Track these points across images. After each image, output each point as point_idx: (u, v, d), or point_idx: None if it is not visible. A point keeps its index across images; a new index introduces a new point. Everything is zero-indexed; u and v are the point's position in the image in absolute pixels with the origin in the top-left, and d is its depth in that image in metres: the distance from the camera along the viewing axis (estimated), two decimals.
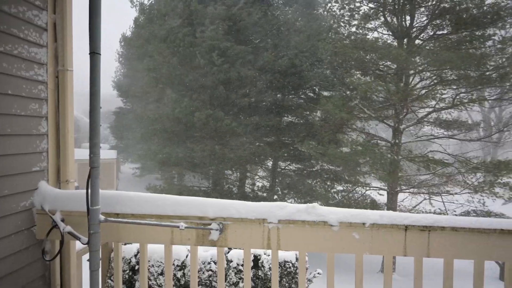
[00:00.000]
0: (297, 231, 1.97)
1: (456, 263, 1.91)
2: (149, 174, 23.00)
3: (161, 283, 3.50)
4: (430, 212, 13.30)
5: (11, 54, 1.93)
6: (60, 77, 2.28)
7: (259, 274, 3.63)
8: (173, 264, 3.52)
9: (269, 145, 15.48)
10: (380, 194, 14.43)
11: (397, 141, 13.53)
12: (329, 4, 14.98)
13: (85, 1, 1.81)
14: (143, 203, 2.11)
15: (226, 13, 14.38)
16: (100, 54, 1.84)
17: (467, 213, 12.94)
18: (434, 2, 12.44)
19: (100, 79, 1.86)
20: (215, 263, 3.53)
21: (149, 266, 3.53)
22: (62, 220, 2.09)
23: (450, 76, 12.82)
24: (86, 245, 1.96)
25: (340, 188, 15.39)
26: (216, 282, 3.47)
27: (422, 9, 13.12)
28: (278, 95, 16.17)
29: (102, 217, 1.95)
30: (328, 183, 15.79)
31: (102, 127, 2.35)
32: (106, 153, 23.93)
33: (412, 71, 13.22)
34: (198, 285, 3.48)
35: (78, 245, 2.36)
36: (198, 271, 3.51)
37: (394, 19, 13.73)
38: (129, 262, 3.53)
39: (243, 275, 2.93)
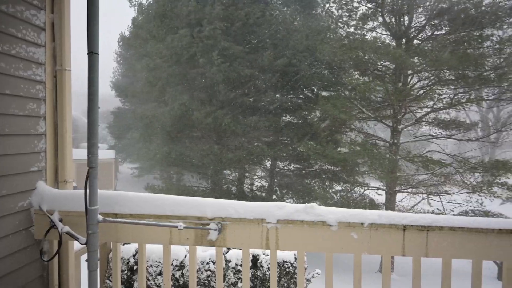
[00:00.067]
0: (296, 231, 1.97)
1: (454, 263, 1.92)
2: (147, 174, 22.97)
3: (159, 283, 3.50)
4: (428, 212, 13.33)
5: (9, 54, 1.92)
6: (58, 77, 2.28)
7: (258, 274, 3.63)
8: (172, 264, 3.51)
9: (267, 145, 15.48)
10: (379, 194, 14.46)
11: (395, 141, 13.56)
12: (327, 5, 15.01)
13: (84, 1, 1.81)
14: (141, 203, 2.10)
15: (224, 13, 14.37)
16: (98, 54, 1.84)
17: (465, 213, 12.97)
18: (432, 3, 12.47)
19: (99, 79, 1.86)
20: (213, 263, 3.53)
21: (147, 266, 3.52)
22: (60, 220, 2.09)
23: (448, 76, 12.86)
24: (85, 245, 1.96)
25: (338, 188, 15.41)
26: (214, 282, 3.46)
27: (420, 9, 13.16)
28: (277, 95, 16.18)
29: (100, 217, 1.94)
30: (326, 183, 15.80)
31: (100, 127, 2.35)
32: (105, 153, 23.89)
33: (410, 71, 13.25)
34: (197, 285, 3.48)
35: (76, 245, 2.36)
36: (197, 271, 3.51)
37: (393, 19, 13.76)
38: (128, 262, 3.53)
39: (241, 275, 2.93)
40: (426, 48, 12.81)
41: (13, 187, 1.99)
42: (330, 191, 15.26)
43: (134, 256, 3.55)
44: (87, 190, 1.90)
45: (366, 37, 13.72)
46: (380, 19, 13.76)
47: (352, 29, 14.11)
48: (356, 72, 14.48)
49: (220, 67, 13.85)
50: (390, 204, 13.53)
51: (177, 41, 14.50)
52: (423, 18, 13.40)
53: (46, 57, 2.19)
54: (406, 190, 13.98)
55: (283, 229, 1.98)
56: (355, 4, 13.82)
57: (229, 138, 15.47)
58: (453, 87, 13.14)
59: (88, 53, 1.83)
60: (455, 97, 12.98)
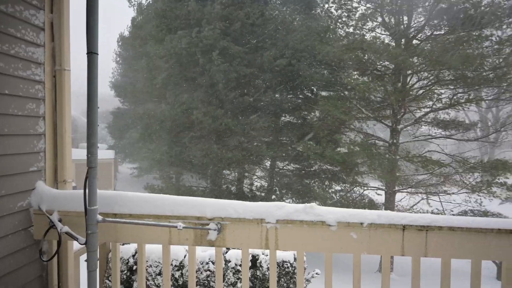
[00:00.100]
0: (295, 231, 1.97)
1: (453, 263, 1.92)
2: (147, 174, 22.96)
3: (159, 283, 3.50)
4: (427, 212, 13.34)
5: (8, 54, 1.92)
6: (57, 77, 2.28)
7: (257, 274, 3.64)
8: (171, 264, 3.51)
9: (267, 145, 15.48)
10: (378, 194, 14.47)
11: (394, 141, 13.57)
12: (327, 5, 15.01)
13: (83, 1, 1.81)
14: (141, 203, 2.10)
15: (223, 12, 14.37)
16: (97, 54, 1.84)
17: (464, 213, 12.99)
18: (431, 3, 12.49)
19: (98, 79, 1.85)
20: (213, 263, 3.53)
21: (147, 266, 3.52)
22: (60, 220, 2.08)
23: (447, 76, 12.87)
24: (84, 246, 1.96)
25: (338, 188, 15.42)
26: (214, 282, 3.46)
27: (420, 9, 13.17)
28: (277, 95, 16.18)
29: (100, 217, 1.94)
30: (326, 183, 15.82)
31: (99, 127, 2.35)
32: (104, 153, 23.89)
33: (409, 71, 13.26)
34: (196, 285, 3.47)
35: (75, 245, 2.36)
36: (196, 271, 3.51)
37: (392, 19, 13.77)
38: (127, 263, 3.53)
39: (241, 275, 2.93)
40: (425, 48, 12.83)
41: (12, 187, 1.99)
42: (330, 191, 15.28)
43: (133, 256, 3.55)
44: (87, 190, 1.89)
45: (366, 37, 13.73)
46: (380, 19, 13.78)
47: (351, 29, 14.12)
48: (355, 72, 14.50)
49: (220, 67, 13.85)
50: (389, 204, 13.54)
51: (177, 41, 14.49)
52: (422, 18, 13.41)
53: (45, 57, 2.19)
54: (405, 190, 13.99)
55: (283, 229, 1.98)
56: (355, 4, 13.83)
57: (228, 138, 15.47)
58: (452, 87, 13.16)
59: (87, 53, 1.82)
60: (455, 97, 12.99)
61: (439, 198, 13.36)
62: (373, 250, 1.92)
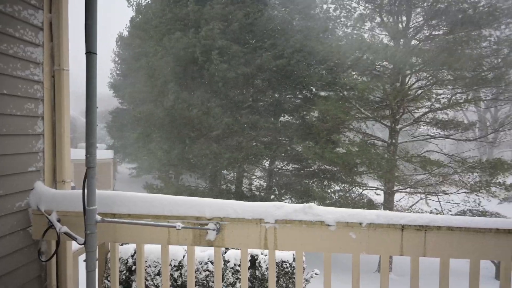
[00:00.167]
0: (294, 231, 1.97)
1: (452, 263, 1.92)
2: (146, 174, 22.94)
3: (158, 284, 3.50)
4: (426, 212, 13.36)
5: (7, 53, 1.92)
6: (56, 77, 2.27)
7: (257, 274, 3.64)
8: (170, 265, 3.51)
9: (266, 144, 15.49)
10: (377, 194, 14.48)
11: (393, 141, 13.59)
12: (325, 5, 15.02)
13: (82, 1, 1.81)
14: (140, 203, 2.10)
15: (223, 12, 14.37)
16: (96, 54, 1.84)
17: (463, 213, 13.01)
18: (430, 3, 12.50)
19: (97, 79, 1.85)
20: (212, 263, 3.53)
21: (146, 266, 3.52)
22: (58, 221, 2.08)
23: (446, 76, 12.89)
24: (83, 246, 1.95)
25: (337, 188, 15.42)
26: (213, 282, 3.46)
27: (418, 9, 13.19)
28: (276, 95, 16.19)
29: (98, 217, 1.94)
30: (325, 183, 15.81)
31: (98, 127, 2.35)
32: (103, 153, 23.86)
33: (408, 71, 13.28)
34: (195, 285, 3.47)
35: (74, 245, 2.36)
36: (195, 271, 3.51)
37: (391, 19, 13.79)
38: (126, 263, 3.53)
39: (240, 275, 2.93)
40: (424, 48, 12.85)
41: (11, 187, 1.99)
42: (329, 191, 15.27)
43: (132, 256, 3.54)
44: (85, 190, 1.89)
45: (365, 37, 13.75)
46: (378, 19, 13.79)
47: (350, 29, 14.13)
48: (354, 72, 14.50)
49: (219, 67, 13.84)
50: (388, 204, 13.56)
51: (176, 41, 14.49)
52: (421, 19, 13.43)
53: (44, 57, 2.18)
54: (404, 190, 14.01)
55: (282, 229, 1.98)
56: (353, 5, 13.85)
57: (227, 138, 15.47)
58: (451, 87, 13.18)
59: (86, 53, 1.82)
60: (453, 97, 13.02)
61: (438, 198, 13.38)
62: (372, 250, 1.92)
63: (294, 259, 3.66)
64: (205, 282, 3.50)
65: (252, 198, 15.62)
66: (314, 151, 13.29)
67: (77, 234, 2.03)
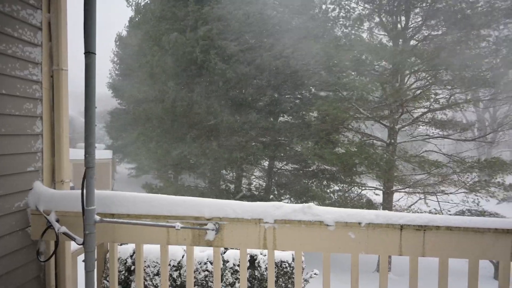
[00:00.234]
0: (293, 231, 1.97)
1: (451, 262, 1.92)
2: (144, 174, 22.94)
3: (157, 284, 3.50)
4: (425, 212, 13.37)
5: (5, 53, 1.91)
6: (55, 77, 2.27)
7: (256, 274, 3.63)
8: (169, 265, 3.51)
9: (265, 144, 15.49)
10: (376, 194, 14.49)
11: (392, 141, 13.60)
12: (324, 6, 15.03)
13: (80, 1, 1.80)
14: (138, 203, 2.10)
15: (222, 12, 14.36)
16: (95, 54, 1.83)
17: (462, 213, 13.02)
18: (429, 3, 12.52)
19: (95, 79, 1.85)
20: (211, 263, 3.52)
21: (145, 266, 3.52)
22: (57, 221, 2.08)
23: (445, 76, 12.91)
24: (82, 246, 1.95)
25: (336, 188, 15.42)
26: (212, 282, 3.46)
27: (417, 9, 13.20)
28: (275, 95, 16.20)
29: (97, 218, 1.94)
30: (324, 183, 15.81)
31: (97, 127, 2.34)
32: (102, 153, 23.84)
33: (407, 72, 13.30)
34: (194, 286, 3.47)
35: (73, 245, 2.35)
36: (194, 272, 3.51)
37: (389, 20, 13.81)
38: (125, 263, 3.52)
39: (239, 275, 2.93)
40: (423, 48, 12.86)
41: (10, 187, 1.98)
42: (328, 191, 15.28)
43: (131, 256, 3.54)
44: (84, 190, 1.89)
45: (364, 37, 13.76)
46: (377, 19, 13.81)
47: (349, 30, 14.14)
48: (353, 72, 14.51)
49: (218, 67, 13.84)
50: (387, 204, 13.57)
51: (175, 41, 14.48)
52: (419, 19, 13.45)
53: (42, 56, 2.18)
54: (403, 190, 14.02)
55: (281, 229, 1.98)
56: (352, 5, 13.86)
57: (226, 137, 15.47)
58: (450, 87, 13.20)
59: (85, 53, 1.82)
60: (452, 97, 13.03)
61: (437, 198, 13.40)
62: (371, 250, 1.92)
63: (293, 259, 3.66)
64: (204, 282, 3.49)
65: (251, 198, 15.62)
66: (313, 151, 13.29)
67: (76, 234, 2.02)
